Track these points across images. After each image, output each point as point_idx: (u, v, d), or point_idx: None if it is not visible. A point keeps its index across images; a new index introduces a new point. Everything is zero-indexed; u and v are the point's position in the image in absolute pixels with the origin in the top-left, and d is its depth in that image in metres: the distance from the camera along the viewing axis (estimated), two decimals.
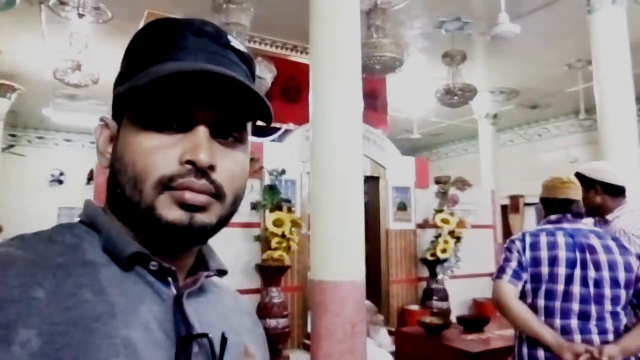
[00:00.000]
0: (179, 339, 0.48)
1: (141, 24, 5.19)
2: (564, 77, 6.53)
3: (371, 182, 5.17)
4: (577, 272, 1.79)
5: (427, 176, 5.40)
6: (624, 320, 1.81)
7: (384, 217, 5.01)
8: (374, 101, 6.17)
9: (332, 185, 2.40)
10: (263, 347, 0.63)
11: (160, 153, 0.49)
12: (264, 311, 3.92)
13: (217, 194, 0.50)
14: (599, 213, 2.27)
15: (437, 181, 5.14)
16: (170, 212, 0.48)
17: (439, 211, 4.94)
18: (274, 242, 3.99)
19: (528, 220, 8.62)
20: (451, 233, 4.88)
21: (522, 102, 7.57)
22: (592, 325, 1.76)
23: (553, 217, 1.97)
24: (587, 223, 2.12)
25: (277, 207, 4.12)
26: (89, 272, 0.47)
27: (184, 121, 0.50)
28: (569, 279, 1.78)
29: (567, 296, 1.78)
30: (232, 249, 4.12)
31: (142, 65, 0.51)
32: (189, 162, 0.48)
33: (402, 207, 5.13)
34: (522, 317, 1.79)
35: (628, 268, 1.81)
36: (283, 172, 4.09)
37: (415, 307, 4.86)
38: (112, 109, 0.55)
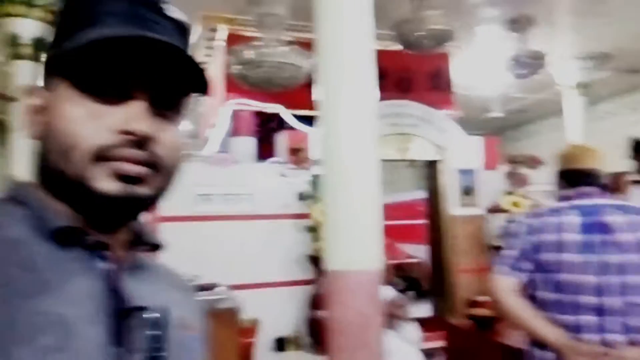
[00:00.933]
0: (115, 313, 0.47)
1: (199, 29, 5.41)
2: None
3: (430, 166, 4.89)
4: (592, 257, 1.47)
5: (496, 157, 4.97)
6: None
7: (447, 202, 4.70)
8: (437, 80, 5.82)
9: (341, 171, 2.26)
10: (201, 320, 0.63)
11: (94, 122, 0.47)
12: (317, 302, 3.87)
13: (156, 165, 0.49)
14: None
15: (511, 161, 4.71)
16: (106, 183, 0.47)
17: (509, 193, 4.52)
18: (323, 232, 3.92)
19: (634, 200, 7.63)
20: None
21: (618, 68, 6.66)
22: (613, 321, 1.44)
23: (565, 192, 1.67)
24: None
25: None
26: (16, 248, 0.45)
27: (119, 90, 0.48)
28: (581, 267, 1.47)
29: (579, 287, 1.47)
30: (284, 240, 4.14)
31: (72, 31, 0.49)
32: (126, 132, 0.47)
33: (468, 191, 4.77)
34: (519, 315, 1.53)
35: None
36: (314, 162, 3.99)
37: (485, 298, 4.50)
38: (43, 78, 0.53)
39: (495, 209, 4.69)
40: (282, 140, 4.60)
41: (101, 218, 0.50)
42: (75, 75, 0.49)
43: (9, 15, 4.23)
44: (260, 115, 5.46)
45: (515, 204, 4.41)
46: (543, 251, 1.53)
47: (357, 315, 2.05)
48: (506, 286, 1.56)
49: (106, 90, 0.48)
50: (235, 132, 5.25)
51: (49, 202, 0.50)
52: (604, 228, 1.50)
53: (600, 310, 1.46)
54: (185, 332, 0.55)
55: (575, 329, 1.47)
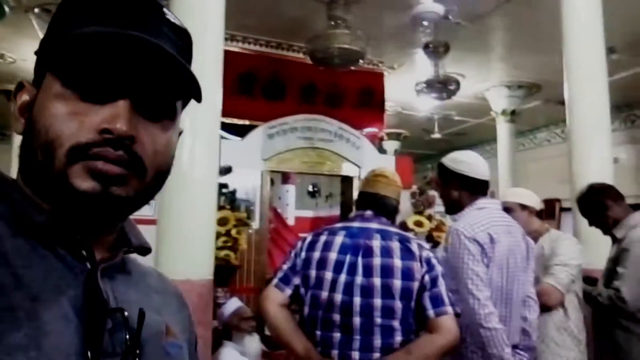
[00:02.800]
0: (90, 313, 0.45)
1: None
2: None
3: (345, 182, 4.96)
4: (342, 277, 1.53)
5: (410, 176, 5.06)
6: (399, 336, 1.53)
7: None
8: (368, 98, 5.91)
9: (174, 185, 2.26)
10: (189, 330, 0.62)
11: (76, 120, 0.47)
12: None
13: (136, 167, 0.48)
14: (457, 210, 1.96)
15: (425, 182, 4.81)
16: (83, 181, 0.46)
17: (417, 213, 4.61)
18: (219, 241, 3.92)
19: (565, 226, 7.84)
20: (429, 237, 4.52)
21: (548, 98, 6.89)
22: (356, 340, 1.50)
23: (352, 214, 1.74)
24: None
25: (232, 207, 4.05)
26: None
27: (105, 90, 0.47)
28: (332, 285, 1.53)
29: (330, 305, 1.53)
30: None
31: (64, 29, 0.48)
32: (106, 131, 0.46)
33: None
34: (276, 325, 1.58)
35: (407, 275, 1.53)
36: (228, 170, 4.00)
37: None
38: (34, 74, 0.52)
39: (402, 227, 4.77)
40: None
41: (80, 217, 0.49)
42: (62, 71, 0.48)
43: None
44: None
45: (418, 224, 4.50)
46: (309, 268, 1.59)
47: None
48: (274, 298, 1.60)
49: (92, 88, 0.47)
50: None
51: (31, 198, 0.49)
52: (361, 251, 1.56)
53: (345, 328, 1.52)
54: (166, 338, 0.53)
55: (325, 345, 1.53)
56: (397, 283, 1.52)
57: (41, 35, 4.39)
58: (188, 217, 2.19)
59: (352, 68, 5.55)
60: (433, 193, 4.69)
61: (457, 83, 4.60)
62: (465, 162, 1.93)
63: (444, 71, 4.92)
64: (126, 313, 0.47)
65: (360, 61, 4.36)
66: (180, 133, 0.57)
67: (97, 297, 0.47)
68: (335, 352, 1.50)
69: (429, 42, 4.57)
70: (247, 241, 4.10)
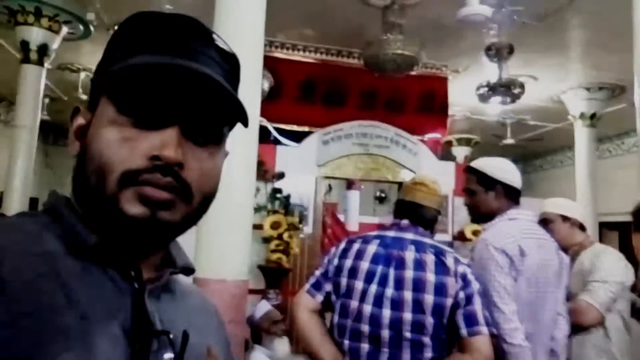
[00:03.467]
0: (137, 335, 0.47)
1: None
2: None
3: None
4: (373, 288, 1.50)
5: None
6: (429, 352, 1.47)
7: None
8: (430, 103, 5.79)
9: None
10: (227, 349, 0.64)
11: (128, 146, 0.49)
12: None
13: (184, 193, 0.50)
14: (487, 219, 1.88)
15: None
16: (132, 207, 0.48)
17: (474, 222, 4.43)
18: (272, 244, 4.04)
19: None
20: None
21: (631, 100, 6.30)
22: (384, 352, 1.47)
23: (389, 222, 1.71)
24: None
25: (287, 211, 4.16)
26: (47, 262, 0.46)
27: (155, 116, 0.49)
28: (363, 295, 1.50)
29: (359, 315, 1.50)
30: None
31: (119, 57, 0.51)
32: (156, 157, 0.48)
33: None
34: (304, 331, 1.57)
35: (440, 291, 1.47)
36: (281, 175, 4.12)
37: None
38: (89, 99, 0.55)
39: (459, 237, 4.61)
40: None
41: (129, 240, 0.50)
42: (115, 99, 0.50)
43: (20, 23, 4.73)
44: None
45: (476, 233, 4.32)
46: (341, 275, 1.57)
47: (228, 327, 2.16)
48: (305, 303, 1.60)
49: (142, 116, 0.49)
50: None
51: (83, 219, 0.51)
52: (393, 262, 1.52)
53: (374, 340, 1.49)
54: (208, 359, 0.55)
55: (353, 356, 1.51)
56: (429, 298, 1.46)
57: None
58: (224, 219, 2.29)
59: (414, 73, 5.49)
60: None
61: (522, 86, 4.37)
62: (508, 170, 1.85)
63: (509, 74, 4.70)
64: (172, 336, 0.48)
65: (420, 66, 4.30)
66: (226, 155, 0.59)
67: (144, 318, 0.48)
68: None
69: (492, 45, 4.39)
70: (299, 245, 4.19)
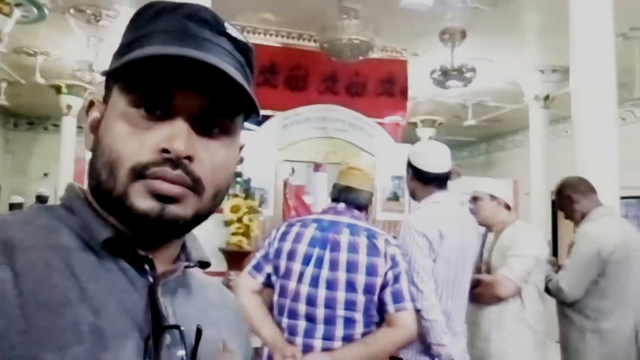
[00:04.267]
0: (150, 329, 0.47)
1: None
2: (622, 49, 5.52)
3: None
4: (310, 269, 1.61)
5: None
6: (360, 327, 1.60)
7: (373, 206, 4.82)
8: (390, 86, 5.91)
9: None
10: (245, 345, 0.63)
11: (137, 139, 0.48)
12: None
13: (194, 186, 0.49)
14: (416, 200, 2.03)
15: None
16: (142, 201, 0.47)
17: None
18: (232, 227, 4.13)
19: None
20: None
21: None
22: (319, 328, 1.59)
23: (325, 206, 1.82)
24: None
25: (247, 195, 4.25)
26: (61, 255, 0.46)
27: (164, 108, 0.49)
28: (300, 277, 1.61)
29: (296, 295, 1.61)
30: (204, 233, 4.35)
31: (129, 48, 0.50)
32: (165, 150, 0.47)
33: (394, 197, 4.89)
34: (247, 312, 1.66)
35: (371, 271, 1.59)
36: (240, 160, 4.18)
37: None
38: (105, 91, 0.54)
39: None
40: None
41: (140, 234, 0.50)
42: (124, 90, 0.50)
43: None
44: None
45: None
46: (280, 258, 1.66)
47: None
48: (247, 284, 1.69)
49: (151, 108, 0.49)
50: None
51: (98, 212, 0.51)
52: (329, 244, 1.62)
53: (310, 318, 1.60)
54: (222, 355, 0.54)
55: (291, 332, 1.62)
56: (361, 278, 1.57)
57: (78, 34, 4.77)
58: None
59: (374, 57, 5.58)
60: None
61: (474, 70, 4.51)
62: (420, 154, 1.98)
63: (467, 57, 4.84)
64: (183, 329, 0.48)
65: (375, 50, 4.39)
66: (241, 148, 0.59)
67: (157, 313, 0.48)
68: (299, 340, 1.58)
69: (445, 29, 4.51)
70: (260, 227, 4.29)
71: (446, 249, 1.84)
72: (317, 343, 1.57)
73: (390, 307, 1.57)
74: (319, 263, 1.60)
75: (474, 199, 2.41)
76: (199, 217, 0.52)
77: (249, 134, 4.73)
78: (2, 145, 8.52)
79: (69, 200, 0.53)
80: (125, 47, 0.52)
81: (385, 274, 1.59)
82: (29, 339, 0.40)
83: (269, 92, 5.49)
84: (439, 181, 1.97)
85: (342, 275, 1.58)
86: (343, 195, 1.75)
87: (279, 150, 4.53)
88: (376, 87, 5.84)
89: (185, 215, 0.49)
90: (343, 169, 1.85)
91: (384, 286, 1.59)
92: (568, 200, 2.33)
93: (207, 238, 4.09)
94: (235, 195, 4.19)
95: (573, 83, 3.22)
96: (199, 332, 0.49)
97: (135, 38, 0.52)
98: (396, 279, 1.59)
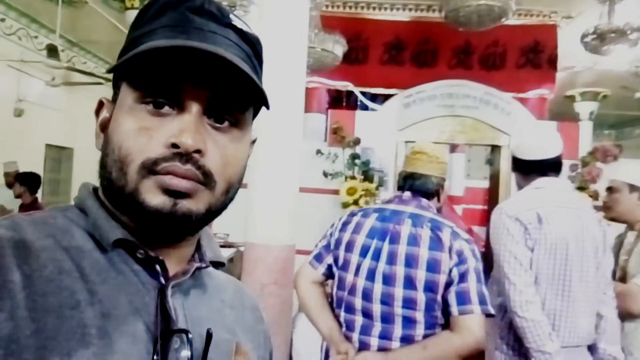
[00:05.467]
0: (159, 333, 0.46)
1: None
2: None
3: (494, 152, 4.54)
4: (367, 262, 1.48)
5: (576, 145, 4.35)
6: (421, 328, 1.43)
7: (505, 190, 4.35)
8: (535, 55, 5.21)
9: (260, 155, 2.42)
10: (263, 346, 0.62)
11: (146, 135, 0.47)
12: None
13: (205, 180, 0.48)
14: None
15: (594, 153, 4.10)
16: (153, 197, 0.47)
17: (580, 189, 3.98)
18: (349, 210, 4.08)
19: None
20: None
21: None
22: (376, 326, 1.46)
23: (392, 195, 1.66)
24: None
25: (366, 177, 4.15)
26: (73, 257, 0.46)
27: (173, 102, 0.48)
28: (357, 269, 1.50)
29: (352, 289, 1.51)
30: (321, 215, 4.37)
31: (135, 44, 0.50)
32: (174, 145, 0.46)
33: None
34: (304, 302, 1.61)
35: (432, 267, 1.41)
36: (357, 141, 4.08)
37: None
38: (113, 90, 0.54)
39: None
40: (326, 119, 4.79)
41: (152, 232, 0.49)
42: (131, 85, 0.49)
43: (128, 8, 5.22)
44: (331, 92, 5.68)
45: None
46: (339, 249, 1.57)
47: (254, 283, 2.30)
48: (307, 275, 1.63)
49: (159, 102, 0.48)
50: (307, 108, 5.58)
51: (108, 212, 0.50)
52: (389, 236, 1.49)
53: (366, 314, 1.49)
54: (236, 357, 0.52)
55: (348, 327, 1.53)
56: (421, 274, 1.42)
57: None
58: (270, 186, 2.38)
59: (517, 23, 4.98)
60: (600, 166, 3.97)
61: (638, 30, 3.70)
62: (518, 143, 1.71)
63: (631, 16, 4.00)
64: (190, 335, 0.47)
65: (512, 15, 3.85)
66: (253, 142, 0.57)
67: (167, 315, 0.47)
68: (356, 336, 1.49)
69: None
70: None
71: (549, 235, 1.52)
72: (374, 341, 1.46)
73: (454, 308, 1.39)
74: (377, 255, 1.48)
75: (609, 190, 1.95)
76: (212, 212, 0.50)
77: (369, 115, 4.59)
78: None
79: (81, 200, 0.52)
80: (131, 43, 0.51)
81: (450, 271, 1.40)
82: (36, 342, 0.40)
83: (394, 70, 5.28)
84: (542, 168, 1.64)
85: (400, 270, 1.44)
86: (408, 182, 1.58)
87: (399, 130, 4.31)
88: (518, 57, 5.21)
89: (197, 210, 0.48)
90: (408, 154, 1.65)
91: (448, 284, 1.41)
92: None
93: (323, 220, 4.11)
94: (353, 178, 4.12)
95: None
96: (209, 336, 0.48)
97: (140, 34, 0.51)
98: (462, 277, 1.39)
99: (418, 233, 1.45)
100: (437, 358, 1.39)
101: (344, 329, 1.53)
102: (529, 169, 1.66)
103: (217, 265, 0.58)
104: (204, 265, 0.55)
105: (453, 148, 7.72)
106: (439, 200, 1.60)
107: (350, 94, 5.74)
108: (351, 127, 4.34)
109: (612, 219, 1.94)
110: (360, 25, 5.28)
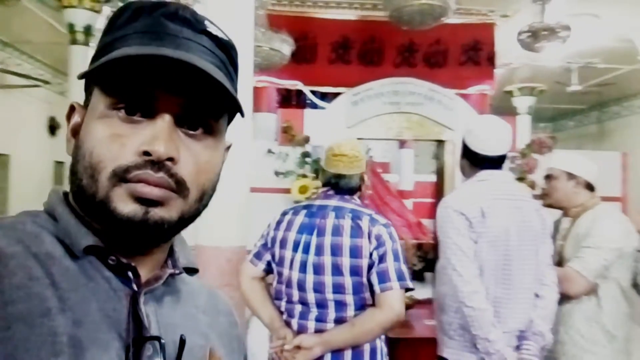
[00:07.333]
0: (132, 339, 0.46)
1: None
2: None
3: (439, 147, 4.69)
4: (298, 256, 1.61)
5: (515, 138, 4.57)
6: (352, 309, 1.58)
7: (450, 183, 4.50)
8: (475, 53, 5.42)
9: None
10: (237, 350, 0.62)
11: (118, 142, 0.47)
12: None
13: (178, 188, 0.48)
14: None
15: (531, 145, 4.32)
16: (125, 205, 0.46)
17: (519, 179, 4.18)
18: None
19: None
20: None
21: None
22: (313, 311, 1.61)
23: (319, 191, 1.76)
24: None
25: (317, 175, 4.18)
26: (43, 264, 0.45)
27: (145, 110, 0.48)
28: (291, 263, 1.62)
29: (289, 282, 1.63)
30: (273, 214, 4.38)
31: (107, 49, 0.49)
32: (146, 153, 0.46)
33: None
34: (247, 297, 1.71)
35: (355, 253, 1.56)
36: (307, 140, 4.12)
37: None
38: (85, 95, 0.53)
39: None
40: (275, 118, 4.79)
41: (123, 240, 0.49)
42: (102, 92, 0.48)
43: (66, 6, 5.01)
44: (281, 91, 5.68)
45: None
46: (275, 246, 1.68)
47: (222, 290, 2.28)
48: (249, 272, 1.73)
49: (130, 109, 0.48)
50: (257, 108, 5.55)
51: (79, 219, 0.50)
52: (315, 230, 1.61)
53: (303, 302, 1.62)
54: None
55: (289, 315, 1.66)
56: (346, 261, 1.56)
57: None
58: (220, 187, 2.36)
59: (456, 22, 5.16)
60: (536, 157, 4.19)
61: (569, 29, 3.94)
62: (474, 132, 1.76)
63: (569, 13, 4.24)
64: (163, 341, 0.46)
65: (454, 15, 4.00)
66: (228, 148, 0.57)
67: (139, 322, 0.47)
68: (295, 321, 1.63)
69: None
70: None
71: (491, 228, 1.61)
72: (311, 325, 1.60)
73: (377, 287, 1.55)
74: (306, 249, 1.61)
75: (548, 177, 2.07)
76: (185, 220, 0.50)
77: (317, 113, 4.63)
78: None
79: (51, 206, 0.51)
80: (104, 48, 0.50)
81: (371, 255, 1.56)
82: (5, 350, 0.39)
83: (342, 69, 5.34)
84: (491, 163, 1.72)
85: (327, 260, 1.58)
86: (333, 182, 1.70)
87: (348, 128, 4.37)
88: (459, 55, 5.40)
89: (170, 218, 0.48)
90: (328, 155, 1.72)
91: (370, 267, 1.56)
92: None
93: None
94: (304, 176, 4.14)
95: None
96: (182, 342, 0.48)
97: (113, 39, 0.50)
98: (382, 258, 1.55)
99: (340, 224, 1.59)
100: (364, 333, 1.54)
101: (285, 316, 1.66)
102: (480, 162, 1.72)
103: (191, 271, 0.58)
104: (177, 271, 0.55)
105: (401, 144, 7.92)
106: (361, 195, 1.73)
107: (299, 92, 5.75)
108: (301, 126, 4.36)
109: (550, 206, 2.05)
110: (308, 24, 5.31)
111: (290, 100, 5.82)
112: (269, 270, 1.71)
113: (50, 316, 0.42)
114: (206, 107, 0.50)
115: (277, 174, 4.19)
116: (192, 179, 0.49)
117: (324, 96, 5.76)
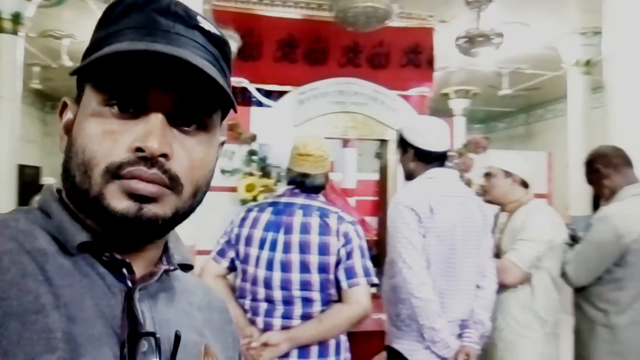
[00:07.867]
0: (126, 336, 0.46)
1: None
2: None
3: (382, 146, 4.84)
4: (265, 253, 1.62)
5: (452, 138, 4.80)
6: (318, 306, 1.62)
7: (392, 181, 4.66)
8: (415, 56, 5.62)
9: None
10: (232, 347, 0.62)
11: (111, 139, 0.47)
12: None
13: (172, 184, 0.48)
14: (411, 180, 1.90)
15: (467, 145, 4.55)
16: (118, 202, 0.46)
17: None
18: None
19: None
20: None
21: None
22: (278, 309, 1.61)
23: (284, 189, 1.78)
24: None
25: (264, 173, 4.18)
26: (36, 260, 0.45)
27: (137, 105, 0.48)
28: (257, 261, 1.63)
29: (254, 279, 1.63)
30: (220, 213, 4.33)
31: (99, 45, 0.49)
32: (139, 149, 0.46)
33: None
34: None
35: (323, 250, 1.58)
36: (254, 138, 4.11)
37: None
38: (77, 91, 0.53)
39: None
40: None
41: (117, 236, 0.49)
42: (95, 88, 0.49)
43: None
44: None
45: None
46: (239, 243, 1.68)
47: None
48: (212, 269, 1.71)
49: (123, 105, 0.48)
50: None
51: (74, 215, 0.50)
52: (283, 227, 1.63)
53: (269, 300, 1.63)
54: (205, 358, 0.53)
55: (254, 313, 1.66)
56: (314, 258, 1.58)
57: (98, 16, 4.88)
58: None
59: (398, 25, 5.32)
60: (472, 157, 4.43)
61: (501, 36, 4.20)
62: (420, 133, 1.86)
63: (501, 21, 4.50)
64: (158, 336, 0.46)
65: (397, 18, 4.14)
66: (222, 143, 0.58)
67: (133, 318, 0.47)
68: (260, 319, 1.62)
69: None
70: None
71: (438, 224, 1.72)
72: (277, 322, 1.60)
73: (344, 283, 1.57)
74: (273, 246, 1.62)
75: (487, 175, 2.23)
76: (179, 216, 0.50)
77: (264, 111, 4.63)
78: (41, 128, 8.83)
79: (44, 202, 0.51)
80: (95, 44, 0.50)
81: (338, 252, 1.59)
82: None
83: (288, 67, 5.36)
84: (440, 159, 1.83)
85: (295, 257, 1.59)
86: (298, 180, 1.74)
87: (295, 126, 4.40)
88: (400, 57, 5.58)
89: (164, 214, 0.48)
90: (294, 155, 1.76)
91: (337, 263, 1.59)
92: (597, 175, 2.05)
93: (223, 217, 4.06)
94: (251, 174, 4.13)
95: (606, 47, 2.92)
96: (177, 338, 0.48)
97: (105, 35, 0.50)
98: (349, 255, 1.58)
99: (308, 222, 1.61)
100: (332, 328, 1.57)
101: (249, 314, 1.65)
102: (432, 160, 1.82)
103: (186, 267, 0.58)
104: (171, 267, 0.55)
105: (345, 143, 8.05)
106: (325, 189, 1.78)
107: (245, 90, 5.70)
108: (248, 124, 4.34)
109: (489, 202, 2.21)
110: (254, 21, 5.28)
111: (236, 97, 5.74)
112: (232, 268, 1.70)
113: (44, 312, 0.42)
114: (199, 103, 0.50)
115: (223, 172, 4.15)
116: (186, 175, 0.49)
117: (269, 94, 5.75)
